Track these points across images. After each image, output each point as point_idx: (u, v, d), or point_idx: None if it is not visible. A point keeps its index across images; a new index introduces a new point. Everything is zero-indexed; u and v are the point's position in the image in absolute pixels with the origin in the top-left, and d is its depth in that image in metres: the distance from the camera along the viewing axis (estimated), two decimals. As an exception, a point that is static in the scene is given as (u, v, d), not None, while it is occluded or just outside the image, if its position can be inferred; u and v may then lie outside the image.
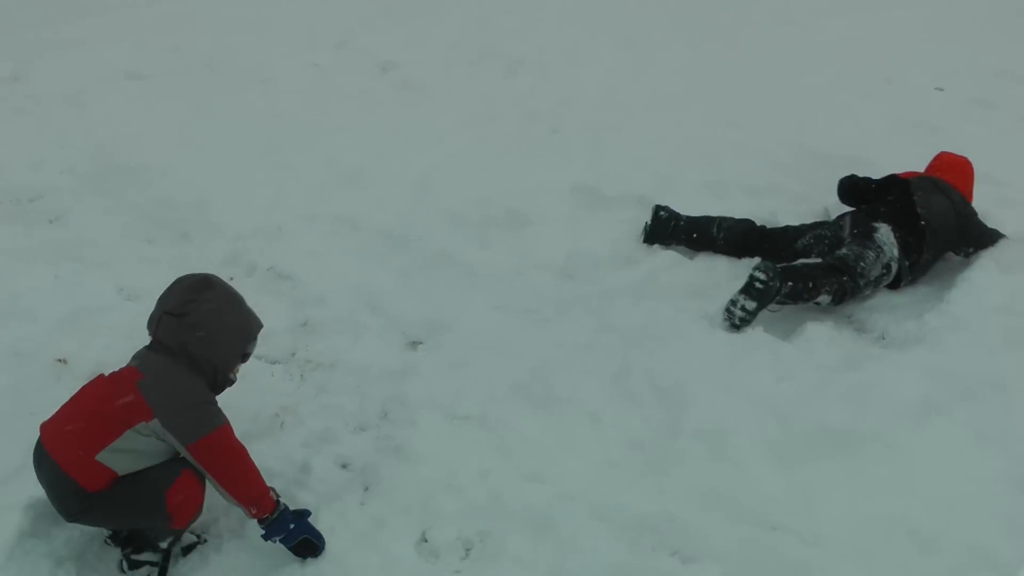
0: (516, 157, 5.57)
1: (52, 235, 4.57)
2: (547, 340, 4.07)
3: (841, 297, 4.19)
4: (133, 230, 4.68)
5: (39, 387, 3.63)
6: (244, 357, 3.05)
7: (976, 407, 3.66)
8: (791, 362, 3.90)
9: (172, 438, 2.78)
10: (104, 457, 2.73)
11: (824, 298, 4.17)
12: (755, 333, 4.07)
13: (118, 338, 3.87)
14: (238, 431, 3.48)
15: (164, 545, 2.94)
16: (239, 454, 2.87)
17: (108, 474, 2.76)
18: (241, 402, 3.68)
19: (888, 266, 4.29)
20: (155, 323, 2.88)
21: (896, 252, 4.29)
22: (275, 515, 2.91)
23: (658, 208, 4.70)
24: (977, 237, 4.50)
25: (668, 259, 4.57)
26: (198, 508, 2.90)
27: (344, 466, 3.42)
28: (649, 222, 4.69)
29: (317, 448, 3.48)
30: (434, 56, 7.48)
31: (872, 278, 4.26)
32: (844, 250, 4.31)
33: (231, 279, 4.41)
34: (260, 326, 3.06)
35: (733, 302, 4.06)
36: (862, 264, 4.22)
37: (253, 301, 4.18)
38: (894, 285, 4.39)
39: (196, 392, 2.82)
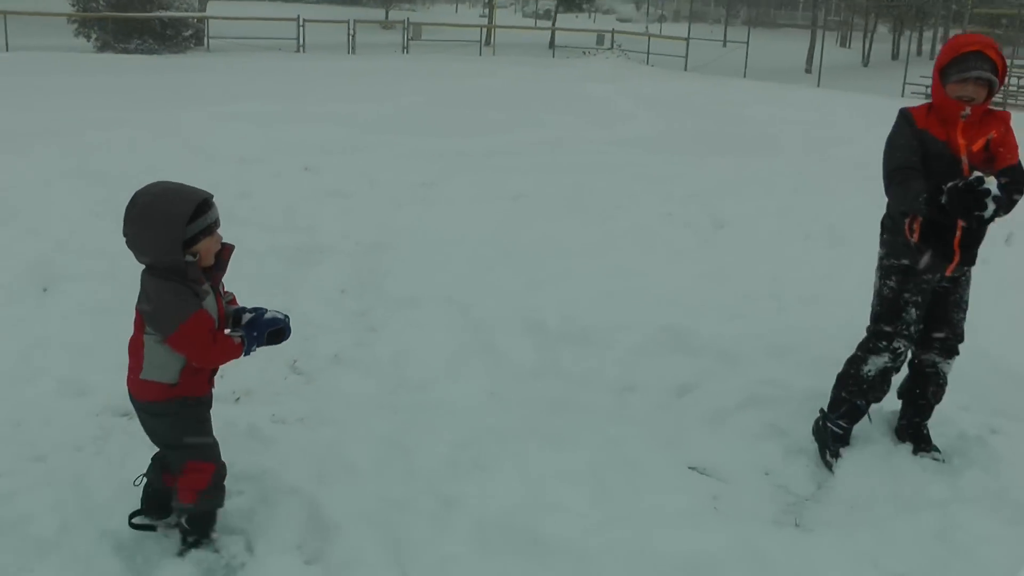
0: (694, 315, 5.68)
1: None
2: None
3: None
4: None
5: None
6: (194, 239, 3.07)
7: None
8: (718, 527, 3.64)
9: (160, 338, 3.12)
10: (147, 374, 3.14)
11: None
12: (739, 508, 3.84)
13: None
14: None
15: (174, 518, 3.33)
16: (204, 340, 3.10)
17: (158, 387, 3.15)
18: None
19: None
20: None
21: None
22: (246, 349, 3.21)
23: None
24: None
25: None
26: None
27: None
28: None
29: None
30: (770, 218, 7.85)
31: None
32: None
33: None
34: (193, 202, 3.04)
35: None
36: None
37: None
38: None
39: (161, 294, 3.08)
